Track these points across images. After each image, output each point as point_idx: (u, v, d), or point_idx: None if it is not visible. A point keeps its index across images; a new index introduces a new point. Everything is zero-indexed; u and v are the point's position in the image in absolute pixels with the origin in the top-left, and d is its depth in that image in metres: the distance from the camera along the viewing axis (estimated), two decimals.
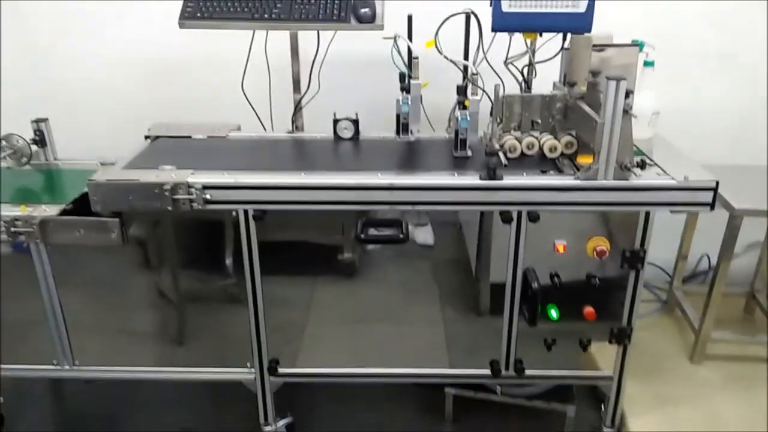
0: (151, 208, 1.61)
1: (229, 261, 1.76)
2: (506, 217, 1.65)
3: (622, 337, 1.79)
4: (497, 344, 1.82)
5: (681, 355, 2.26)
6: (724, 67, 2.39)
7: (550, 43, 1.84)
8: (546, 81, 1.94)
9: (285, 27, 1.88)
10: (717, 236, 2.10)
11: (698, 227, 2.37)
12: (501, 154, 1.65)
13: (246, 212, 1.65)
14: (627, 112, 1.54)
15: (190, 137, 1.99)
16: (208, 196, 1.61)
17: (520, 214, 1.65)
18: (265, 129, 2.16)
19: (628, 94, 1.53)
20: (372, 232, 1.70)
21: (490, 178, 1.62)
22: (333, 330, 1.87)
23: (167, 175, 1.63)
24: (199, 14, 1.85)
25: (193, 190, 1.60)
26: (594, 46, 1.66)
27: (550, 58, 1.86)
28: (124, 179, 1.61)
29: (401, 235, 1.68)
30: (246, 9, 1.85)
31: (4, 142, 1.93)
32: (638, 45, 1.68)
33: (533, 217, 1.64)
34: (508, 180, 1.62)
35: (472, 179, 1.63)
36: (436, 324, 1.87)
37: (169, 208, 1.60)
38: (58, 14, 2.39)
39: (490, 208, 1.65)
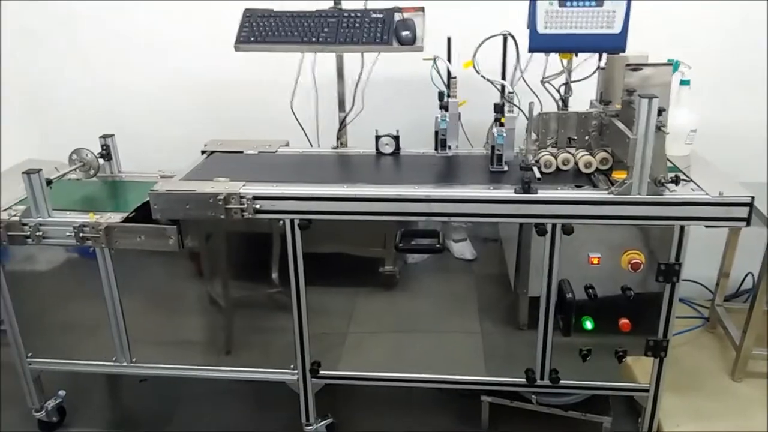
0: (205, 216, 1.74)
1: (275, 270, 1.86)
2: (541, 230, 1.70)
3: (658, 350, 1.81)
4: (533, 355, 1.86)
5: (722, 371, 2.24)
6: (762, 84, 2.39)
7: (586, 63, 1.90)
8: (583, 99, 2.00)
9: (331, 50, 2.00)
10: (762, 254, 2.09)
11: (743, 245, 2.35)
12: (535, 169, 1.71)
13: (292, 222, 1.76)
14: (660, 128, 1.59)
15: (242, 152, 2.12)
16: (257, 206, 1.72)
17: (554, 227, 1.70)
18: (311, 145, 2.27)
19: (661, 111, 1.58)
20: (409, 241, 1.78)
21: (525, 192, 1.68)
22: (373, 337, 1.96)
23: (221, 186, 1.75)
24: (252, 38, 1.99)
25: (244, 200, 1.72)
26: (628, 65, 1.71)
27: (586, 78, 1.91)
28: (182, 189, 1.75)
29: (438, 245, 1.75)
30: (296, 33, 1.98)
31: (74, 156, 2.11)
32: (672, 64, 1.72)
33: (567, 230, 1.69)
34: (543, 194, 1.68)
35: (507, 192, 1.70)
36: (473, 335, 1.93)
37: (222, 216, 1.72)
38: (121, 41, 2.59)
39: (525, 220, 1.71)
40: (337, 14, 2.00)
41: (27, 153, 2.44)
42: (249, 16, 2.04)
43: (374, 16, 1.97)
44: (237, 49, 2.01)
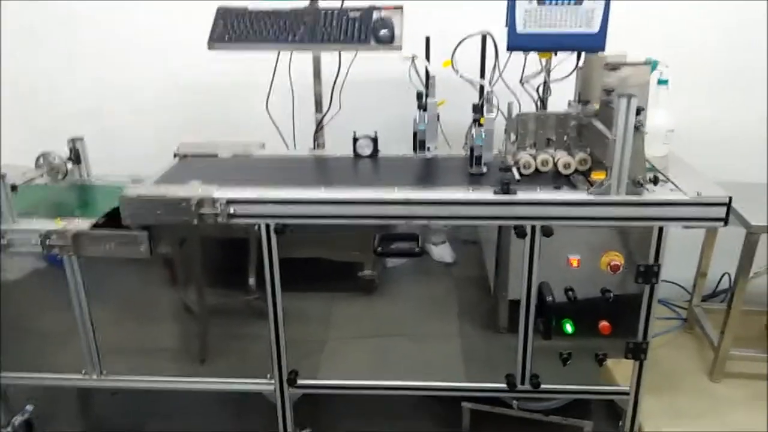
0: (177, 221, 1.68)
1: (251, 276, 1.82)
2: (520, 232, 1.68)
3: (638, 352, 1.80)
4: (514, 359, 1.84)
5: (700, 372, 2.25)
6: (739, 84, 2.41)
7: (565, 63, 1.89)
8: (562, 99, 1.99)
9: (308, 48, 1.96)
10: (738, 254, 2.10)
11: (720, 245, 2.37)
12: (515, 170, 1.69)
13: (267, 226, 1.71)
14: (638, 128, 1.58)
15: (216, 155, 2.07)
16: (231, 211, 1.68)
17: (534, 228, 1.68)
18: (288, 147, 2.23)
19: (639, 111, 1.57)
20: (388, 245, 1.75)
21: (504, 193, 1.66)
22: (352, 344, 1.92)
23: (193, 190, 1.70)
24: (227, 37, 1.95)
25: (217, 204, 1.67)
26: (606, 65, 1.70)
27: (565, 77, 1.90)
28: (153, 194, 1.69)
29: (417, 249, 1.72)
30: (271, 32, 1.94)
31: (41, 160, 2.03)
32: (651, 63, 1.72)
33: (547, 232, 1.67)
34: (522, 195, 1.65)
35: (486, 194, 1.67)
36: (453, 339, 1.90)
37: (195, 221, 1.67)
38: (89, 42, 2.52)
39: (504, 222, 1.69)
40: (314, 12, 1.97)
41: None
42: (222, 14, 1.99)
43: (352, 14, 1.94)
44: (210, 47, 1.96)
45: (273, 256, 1.75)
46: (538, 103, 1.97)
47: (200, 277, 1.89)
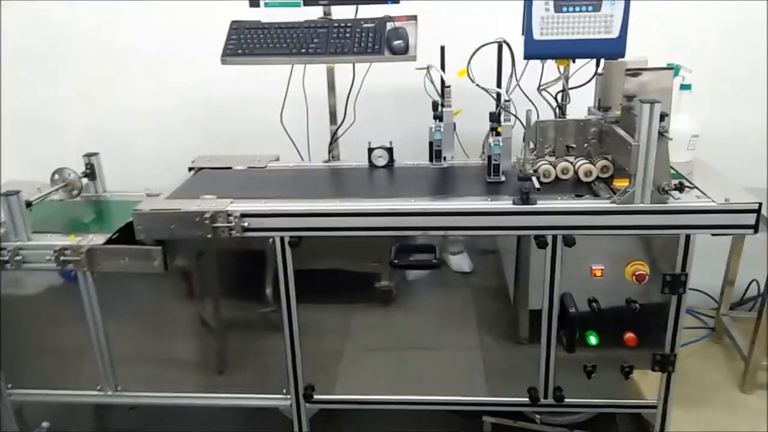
0: (191, 235, 1.66)
1: (267, 289, 1.79)
2: (541, 242, 1.64)
3: (665, 364, 1.74)
4: (536, 372, 1.79)
5: (730, 383, 2.18)
6: (756, 87, 2.35)
7: (584, 69, 1.85)
8: (581, 106, 1.95)
9: (321, 61, 1.94)
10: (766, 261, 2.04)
11: (748, 252, 2.30)
12: (534, 179, 1.64)
13: (282, 239, 1.69)
14: (662, 134, 1.53)
15: (230, 168, 2.06)
16: (246, 224, 1.65)
17: (555, 238, 1.64)
18: (302, 159, 2.21)
19: (663, 117, 1.52)
20: (405, 257, 1.71)
21: (524, 203, 1.62)
22: (370, 357, 1.88)
23: (207, 204, 1.68)
24: (240, 51, 1.93)
25: (231, 218, 1.65)
26: (627, 70, 1.66)
27: (584, 84, 1.86)
28: (167, 209, 1.67)
29: (434, 260, 1.69)
30: (284, 45, 1.92)
31: (56, 176, 2.03)
32: (673, 68, 1.67)
33: (569, 242, 1.63)
34: (542, 204, 1.61)
35: (505, 204, 1.63)
36: (473, 351, 1.86)
37: (209, 235, 1.65)
38: (107, 56, 2.53)
39: (524, 232, 1.65)
40: (327, 24, 1.95)
41: (10, 173, 2.37)
42: (236, 28, 1.98)
43: (365, 25, 1.91)
44: (224, 62, 1.95)
45: (288, 270, 1.72)
46: (557, 110, 1.93)
47: (216, 291, 1.87)
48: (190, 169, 2.07)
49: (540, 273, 1.68)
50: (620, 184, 1.72)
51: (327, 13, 2.01)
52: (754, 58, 2.33)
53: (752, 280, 2.55)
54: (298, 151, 2.21)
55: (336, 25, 1.93)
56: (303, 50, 1.91)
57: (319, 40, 1.92)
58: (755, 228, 1.58)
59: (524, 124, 1.77)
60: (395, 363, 1.88)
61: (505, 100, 1.77)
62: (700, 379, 2.20)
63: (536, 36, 1.73)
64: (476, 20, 2.25)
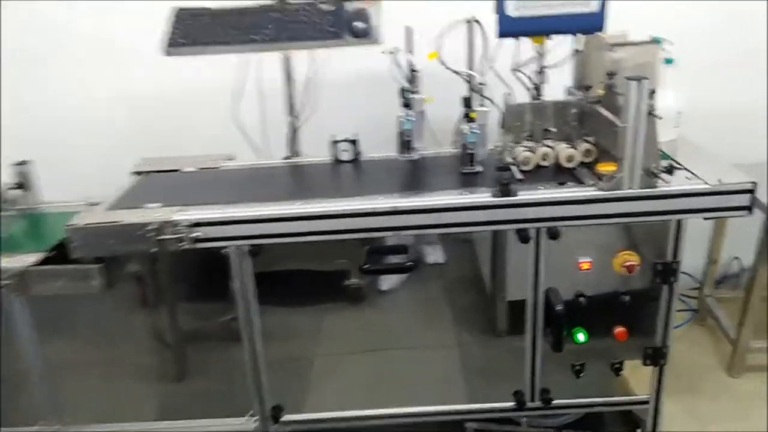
0: (135, 251, 1.48)
1: (226, 300, 1.62)
2: (524, 236, 1.51)
3: (657, 358, 1.64)
4: (519, 370, 1.68)
5: (718, 367, 2.10)
6: (744, 62, 2.26)
7: (559, 46, 1.71)
8: (556, 87, 1.81)
9: (276, 48, 1.76)
10: (746, 237, 1.95)
11: (728, 228, 2.22)
12: (514, 168, 1.51)
13: (240, 248, 1.51)
14: (651, 113, 1.41)
15: (178, 171, 1.86)
16: (197, 234, 1.48)
17: (538, 231, 1.51)
18: (259, 157, 2.03)
19: (651, 94, 1.40)
20: (377, 261, 1.56)
21: (504, 195, 1.48)
22: (342, 365, 1.74)
23: (152, 213, 1.50)
24: (184, 41, 1.74)
25: (180, 228, 1.47)
26: (610, 45, 1.53)
27: (562, 62, 1.72)
28: (105, 222, 1.48)
29: (408, 263, 1.54)
30: (234, 32, 1.73)
31: None
32: (658, 42, 1.55)
33: (554, 235, 1.50)
34: (524, 195, 1.48)
35: (483, 197, 1.49)
36: (452, 349, 1.74)
37: (155, 249, 1.47)
38: (38, 54, 2.29)
39: (506, 227, 1.51)
40: (281, 9, 1.77)
41: None
42: (179, 15, 1.78)
43: (323, 7, 1.74)
44: (167, 53, 1.75)
45: (246, 281, 1.55)
46: (533, 91, 1.79)
47: (169, 305, 1.69)
48: (134, 173, 1.87)
49: (518, 261, 1.56)
50: (605, 168, 1.59)
51: None
52: (738, 29, 2.23)
53: (734, 258, 2.48)
54: (253, 148, 2.02)
55: (290, 9, 1.75)
56: (255, 38, 1.72)
57: (273, 27, 1.73)
58: (749, 209, 1.47)
59: (501, 108, 1.63)
60: (370, 369, 1.74)
61: (480, 84, 1.62)
62: (686, 366, 2.12)
63: (510, 12, 1.59)
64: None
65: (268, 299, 1.59)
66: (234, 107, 1.97)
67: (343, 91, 2.11)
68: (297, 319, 1.70)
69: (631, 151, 1.43)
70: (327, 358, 1.73)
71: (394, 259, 1.57)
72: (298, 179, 1.81)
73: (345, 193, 1.58)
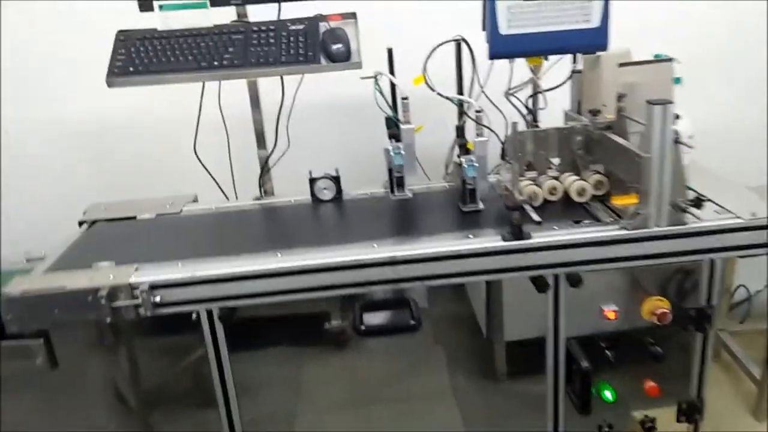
0: (84, 319, 1.23)
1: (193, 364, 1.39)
2: (541, 284, 1.31)
3: (692, 413, 1.46)
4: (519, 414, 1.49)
5: (741, 411, 1.93)
6: (736, 80, 2.14)
7: (554, 68, 1.55)
8: (550, 112, 1.64)
9: (241, 75, 1.54)
10: (749, 262, 1.80)
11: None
12: (529, 207, 1.32)
13: (210, 313, 1.28)
14: (678, 141, 1.24)
15: (134, 218, 1.61)
16: (158, 299, 1.24)
17: (557, 278, 1.32)
18: (227, 198, 1.80)
19: (676, 119, 1.24)
20: (373, 319, 1.35)
21: (516, 238, 1.28)
22: (326, 419, 1.52)
23: (103, 275, 1.25)
24: (132, 68, 1.51)
25: (137, 292, 1.22)
26: (621, 64, 1.37)
27: (560, 85, 1.56)
28: (46, 288, 1.23)
29: (411, 321, 1.32)
30: (190, 57, 1.52)
31: None
32: (672, 60, 1.39)
33: (575, 281, 1.31)
34: (539, 238, 1.29)
35: (492, 241, 1.30)
36: (447, 398, 1.55)
37: (108, 319, 1.22)
38: None
39: (519, 274, 1.31)
40: (244, 29, 1.56)
41: None
42: (124, 39, 1.56)
43: (293, 27, 1.54)
44: (110, 84, 1.51)
45: (221, 351, 1.31)
46: (528, 117, 1.62)
47: (125, 378, 1.44)
48: (81, 222, 1.61)
49: (515, 298, 1.39)
50: (621, 202, 1.43)
51: (242, 15, 1.62)
52: (737, 47, 2.11)
53: (738, 286, 2.34)
54: (220, 187, 1.79)
55: (255, 29, 1.55)
56: (215, 63, 1.51)
57: (236, 50, 1.52)
58: None
59: (502, 139, 1.45)
60: (358, 424, 1.51)
61: (477, 111, 1.43)
62: (707, 409, 1.94)
63: (503, 30, 1.41)
64: (429, 16, 1.91)
65: (240, 349, 1.36)
66: (195, 141, 1.74)
67: (319, 121, 1.91)
68: (274, 372, 1.49)
69: (657, 184, 1.26)
70: (310, 413, 1.51)
71: (395, 318, 1.35)
72: (273, 224, 1.59)
73: (331, 241, 1.36)
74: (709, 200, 1.39)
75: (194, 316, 1.27)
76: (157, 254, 1.34)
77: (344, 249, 1.31)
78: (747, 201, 1.38)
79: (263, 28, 1.54)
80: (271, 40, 1.51)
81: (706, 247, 1.30)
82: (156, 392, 1.50)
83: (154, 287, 1.23)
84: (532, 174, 1.55)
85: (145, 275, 1.25)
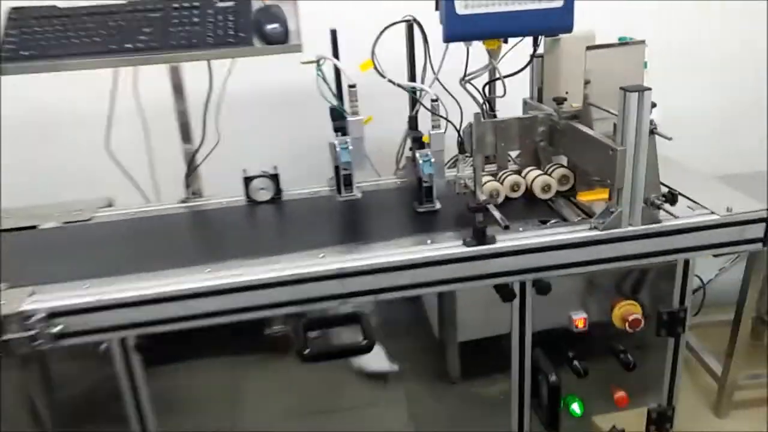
0: None
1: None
2: (506, 294, 1.18)
3: (663, 422, 1.37)
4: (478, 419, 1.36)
5: (702, 407, 1.88)
6: (701, 67, 2.07)
7: (512, 52, 1.41)
8: (506, 101, 1.51)
9: (158, 60, 1.32)
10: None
11: None
12: (493, 208, 1.18)
13: (123, 342, 1.08)
14: (654, 132, 1.13)
15: (35, 227, 1.38)
16: (59, 328, 1.03)
17: (524, 286, 1.19)
18: (148, 200, 1.58)
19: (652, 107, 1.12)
20: (319, 341, 1.18)
21: (480, 242, 1.14)
22: None
23: None
24: (27, 52, 1.27)
25: (33, 322, 1.01)
26: (589, 48, 1.24)
27: (520, 70, 1.42)
28: None
29: (364, 342, 1.16)
30: (98, 39, 1.29)
31: None
32: (643, 43, 1.28)
33: (543, 289, 1.19)
34: (504, 242, 1.15)
35: (452, 247, 1.15)
36: (400, 404, 1.39)
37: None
38: None
39: (483, 282, 1.17)
40: (163, 6, 1.34)
41: None
42: (16, 18, 1.31)
43: (221, 5, 1.34)
44: (3, 71, 1.27)
45: (138, 387, 1.11)
46: (485, 106, 1.48)
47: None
48: None
49: (468, 297, 1.24)
50: (588, 197, 1.32)
51: None
52: (709, 29, 2.03)
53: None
54: (139, 188, 1.57)
55: (177, 5, 1.34)
56: (128, 46, 1.28)
57: (153, 30, 1.31)
58: (764, 241, 1.23)
59: (459, 130, 1.30)
60: None
61: (432, 100, 1.28)
62: None
63: (459, 10, 1.25)
64: None
65: (162, 364, 1.17)
66: (108, 136, 1.51)
67: (253, 111, 1.71)
68: (205, 389, 1.27)
69: (630, 179, 1.14)
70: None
71: (344, 334, 1.19)
72: (202, 231, 1.39)
73: (269, 250, 1.18)
74: (681, 194, 1.29)
75: (102, 347, 1.07)
76: (61, 272, 1.13)
77: (285, 260, 1.13)
78: (719, 194, 1.30)
79: (186, 4, 1.33)
80: (195, 19, 1.30)
81: (681, 247, 1.20)
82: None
83: (53, 315, 1.02)
84: (492, 167, 1.42)
85: (42, 300, 1.04)
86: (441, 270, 1.14)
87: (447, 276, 1.14)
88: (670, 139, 1.11)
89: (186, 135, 1.53)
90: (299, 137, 1.56)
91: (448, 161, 1.51)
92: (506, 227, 1.12)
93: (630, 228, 1.17)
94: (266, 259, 1.14)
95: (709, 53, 2.03)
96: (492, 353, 1.31)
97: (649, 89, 1.09)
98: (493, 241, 1.15)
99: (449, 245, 1.16)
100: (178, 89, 1.49)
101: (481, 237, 1.14)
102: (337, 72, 1.33)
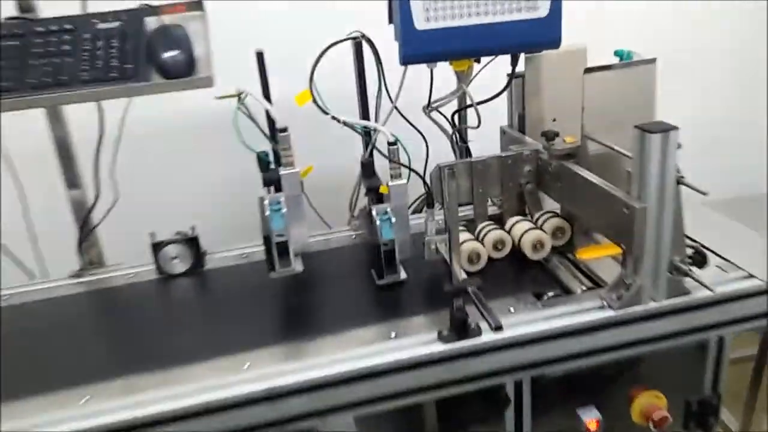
0: None
1: None
2: (499, 401, 0.90)
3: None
4: None
5: None
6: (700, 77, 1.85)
7: (485, 71, 1.13)
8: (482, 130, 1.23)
9: (10, 106, 0.97)
10: None
11: None
12: (473, 290, 0.89)
13: None
14: (681, 182, 0.86)
15: None
16: None
17: (520, 386, 0.91)
18: (28, 277, 1.24)
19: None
20: None
21: (461, 337, 0.86)
22: None
23: None
24: None
25: None
26: (588, 70, 0.97)
27: (497, 95, 1.14)
28: None
29: None
30: None
31: None
32: (655, 61, 1.01)
33: (544, 388, 0.91)
34: (492, 333, 0.86)
35: (425, 342, 0.86)
36: None
37: None
38: None
39: (466, 388, 0.88)
40: (23, 32, 1.00)
41: None
42: None
43: (103, 26, 1.01)
44: None
45: None
46: (456, 139, 1.20)
47: None
48: None
49: None
50: (587, 256, 1.05)
51: (26, 9, 1.07)
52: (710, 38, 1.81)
53: None
54: (16, 260, 1.23)
55: (41, 29, 1.00)
56: None
57: (10, 63, 0.97)
58: None
59: (425, 179, 1.01)
60: None
61: (390, 143, 0.98)
62: None
63: (419, 25, 0.96)
64: (315, 5, 1.43)
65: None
66: None
67: (163, 150, 1.38)
68: None
69: (653, 242, 0.87)
70: None
71: None
72: (97, 321, 1.06)
73: (175, 358, 0.86)
74: (710, 251, 1.03)
75: None
76: None
77: (193, 376, 0.82)
78: (746, 241, 1.05)
79: (54, 28, 0.99)
80: (66, 47, 0.97)
81: (715, 322, 0.93)
82: None
83: None
84: (467, 211, 1.14)
85: None
86: (409, 377, 0.84)
87: (418, 384, 0.85)
88: (705, 194, 0.83)
89: (72, 182, 1.19)
90: (223, 178, 1.24)
91: (413, 202, 1.23)
92: (497, 328, 0.83)
93: (652, 305, 0.90)
94: (170, 371, 0.83)
95: (706, 63, 1.81)
96: None
97: (676, 128, 0.82)
98: (477, 333, 0.86)
99: (420, 339, 0.87)
100: (59, 131, 1.15)
101: (461, 329, 0.85)
102: (267, 111, 1.02)
